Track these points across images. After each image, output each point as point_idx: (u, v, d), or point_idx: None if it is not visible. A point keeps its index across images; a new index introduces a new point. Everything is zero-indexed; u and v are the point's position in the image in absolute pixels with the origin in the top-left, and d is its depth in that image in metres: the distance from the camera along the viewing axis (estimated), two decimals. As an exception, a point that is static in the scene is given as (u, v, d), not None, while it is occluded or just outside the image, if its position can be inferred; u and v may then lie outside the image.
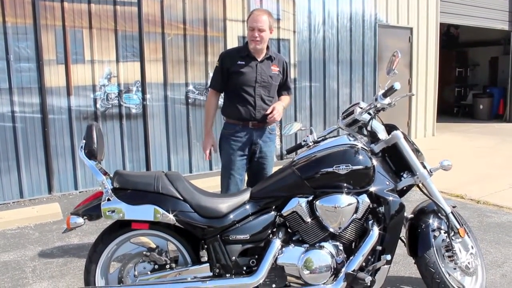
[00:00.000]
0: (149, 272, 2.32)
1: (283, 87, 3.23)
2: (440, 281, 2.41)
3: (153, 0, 5.64)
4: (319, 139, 2.55)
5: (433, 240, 2.47)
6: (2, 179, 4.87)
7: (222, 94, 3.20)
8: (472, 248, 2.62)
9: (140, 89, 5.66)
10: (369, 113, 2.49)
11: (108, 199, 2.20)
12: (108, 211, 2.19)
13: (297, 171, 2.36)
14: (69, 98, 5.20)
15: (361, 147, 2.36)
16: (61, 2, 5.05)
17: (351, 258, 2.32)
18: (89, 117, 5.35)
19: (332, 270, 2.30)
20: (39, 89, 5.00)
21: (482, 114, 12.31)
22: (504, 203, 4.66)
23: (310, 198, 2.33)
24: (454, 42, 13.71)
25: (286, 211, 2.33)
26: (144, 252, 2.33)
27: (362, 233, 2.37)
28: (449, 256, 2.49)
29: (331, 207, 2.29)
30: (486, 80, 13.46)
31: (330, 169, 2.30)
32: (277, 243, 2.31)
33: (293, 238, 2.38)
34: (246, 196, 2.39)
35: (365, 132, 2.55)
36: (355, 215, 2.32)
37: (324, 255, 2.29)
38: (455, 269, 2.52)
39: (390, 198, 2.34)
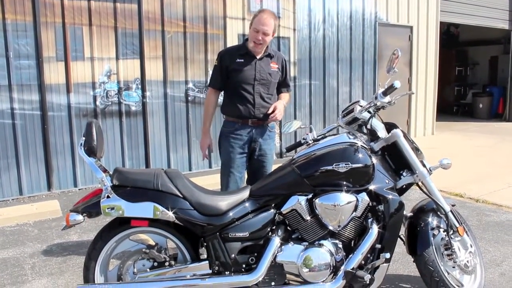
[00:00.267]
0: (148, 270, 2.31)
1: (282, 85, 3.23)
2: (439, 279, 2.41)
3: (153, -3, 5.64)
4: (318, 137, 2.55)
5: (432, 238, 2.48)
6: (2, 176, 4.87)
7: (222, 93, 3.19)
8: (471, 246, 2.62)
9: (139, 86, 5.65)
10: (369, 112, 2.49)
11: (108, 196, 2.20)
12: (107, 208, 2.18)
13: (297, 169, 2.36)
14: (69, 95, 5.19)
15: (361, 145, 2.36)
16: (61, -1, 5.05)
17: (350, 256, 2.32)
18: (88, 114, 5.34)
19: (331, 268, 2.30)
20: (38, 86, 4.99)
21: (481, 113, 12.31)
22: (503, 202, 4.66)
23: (310, 196, 2.33)
24: (454, 41, 13.69)
25: (285, 209, 2.33)
26: (144, 250, 2.33)
27: (362, 231, 2.37)
28: (448, 255, 2.49)
29: (331, 205, 2.29)
30: (486, 79, 13.44)
31: (329, 167, 2.30)
32: (276, 241, 2.31)
33: (293, 236, 2.38)
34: (245, 194, 2.39)
35: (365, 130, 2.55)
36: (354, 213, 2.32)
37: (323, 253, 2.29)
38: (454, 267, 2.52)
39: (390, 197, 2.35)
